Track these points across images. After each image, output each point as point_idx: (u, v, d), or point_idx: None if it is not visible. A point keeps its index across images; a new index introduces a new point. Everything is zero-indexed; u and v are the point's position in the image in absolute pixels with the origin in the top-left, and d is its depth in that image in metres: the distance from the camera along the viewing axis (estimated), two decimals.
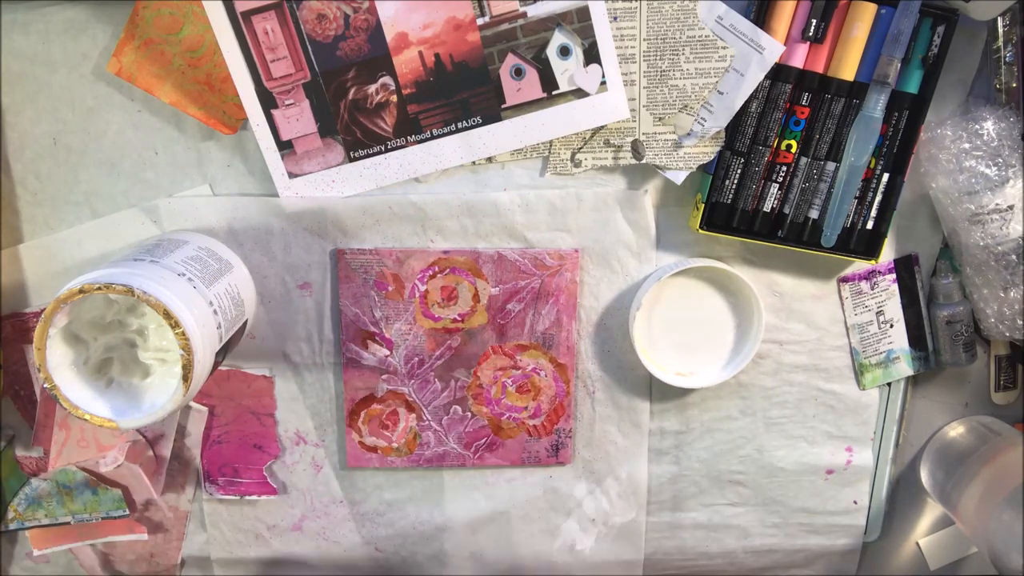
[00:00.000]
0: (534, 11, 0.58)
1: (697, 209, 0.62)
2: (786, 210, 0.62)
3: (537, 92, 0.60)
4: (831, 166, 0.61)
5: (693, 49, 0.59)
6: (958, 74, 0.62)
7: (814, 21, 0.58)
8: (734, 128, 0.60)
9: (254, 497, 0.69)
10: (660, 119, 0.61)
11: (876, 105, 0.59)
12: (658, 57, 0.59)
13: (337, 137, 0.60)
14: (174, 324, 0.50)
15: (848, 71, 0.59)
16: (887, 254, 0.66)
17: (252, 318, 0.64)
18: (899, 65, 0.58)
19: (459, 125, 0.60)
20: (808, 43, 0.59)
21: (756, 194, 0.62)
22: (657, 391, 0.68)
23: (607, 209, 0.64)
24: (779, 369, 0.68)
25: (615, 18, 0.59)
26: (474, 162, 0.62)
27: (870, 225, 0.62)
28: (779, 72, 0.59)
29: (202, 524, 0.70)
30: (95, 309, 0.55)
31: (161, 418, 0.53)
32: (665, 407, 0.69)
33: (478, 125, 0.60)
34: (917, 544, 0.74)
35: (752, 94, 0.59)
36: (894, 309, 0.67)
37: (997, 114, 0.60)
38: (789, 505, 0.72)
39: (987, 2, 0.57)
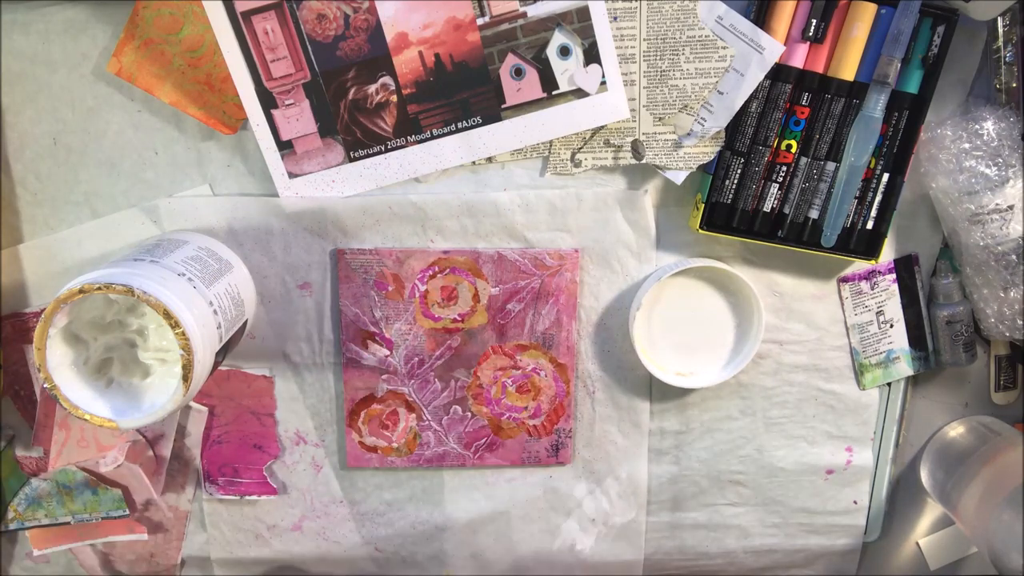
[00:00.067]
0: (534, 11, 0.58)
1: (697, 209, 0.62)
2: (786, 210, 0.62)
3: (537, 92, 0.60)
4: (831, 166, 0.61)
5: (693, 49, 0.59)
6: (958, 74, 0.62)
7: (814, 21, 0.58)
8: (734, 128, 0.60)
9: (254, 497, 0.69)
10: (660, 119, 0.61)
11: (876, 105, 0.59)
12: (658, 57, 0.59)
13: (337, 137, 0.60)
14: (174, 324, 0.50)
15: (848, 71, 0.59)
16: (887, 254, 0.66)
17: (252, 318, 0.64)
18: (899, 65, 0.58)
19: (459, 125, 0.60)
20: (808, 43, 0.59)
21: (756, 194, 0.62)
22: (657, 391, 0.68)
23: (607, 209, 0.64)
24: (779, 369, 0.68)
25: (615, 18, 0.59)
26: (474, 162, 0.62)
27: (870, 225, 0.62)
28: (779, 72, 0.59)
29: (202, 524, 0.70)
30: (95, 309, 0.55)
31: (161, 418, 0.53)
32: (665, 407, 0.69)
33: (478, 125, 0.60)
34: (917, 544, 0.74)
35: (752, 94, 0.59)
36: (894, 309, 0.67)
37: (997, 114, 0.60)
38: (789, 505, 0.72)
39: (987, 2, 0.57)
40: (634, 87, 0.60)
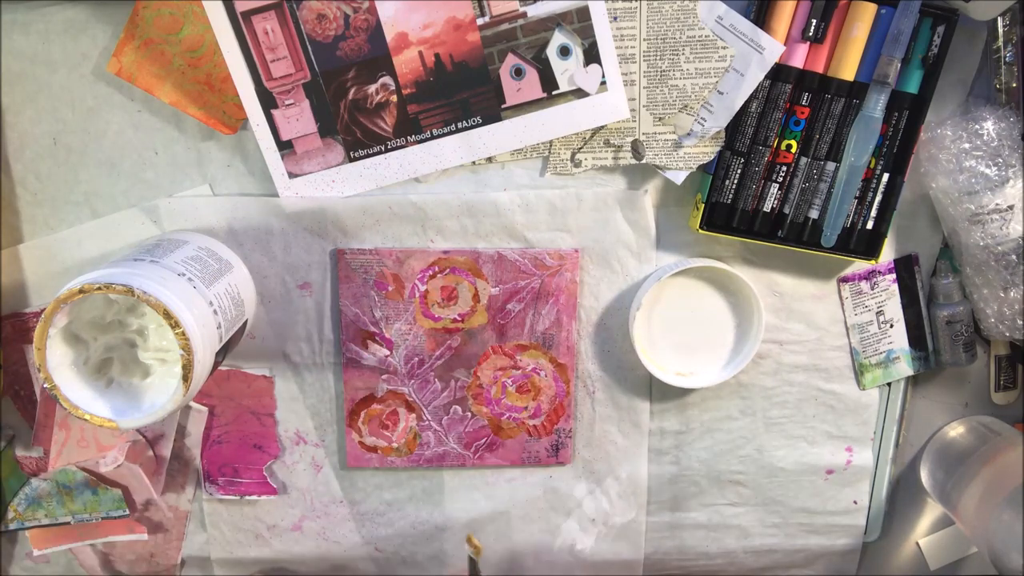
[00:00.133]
0: (534, 11, 0.58)
1: (697, 209, 0.62)
2: (786, 210, 0.62)
3: (537, 92, 0.60)
4: (831, 166, 0.61)
5: (693, 49, 0.59)
6: (958, 74, 0.62)
7: (814, 21, 0.58)
8: (734, 128, 0.60)
9: (254, 497, 0.69)
10: (660, 119, 0.61)
11: (876, 105, 0.59)
12: (658, 57, 0.59)
13: (337, 137, 0.60)
14: (174, 324, 0.50)
15: (848, 71, 0.59)
16: (887, 254, 0.66)
17: (252, 318, 0.64)
18: (899, 65, 0.58)
19: (459, 125, 0.60)
20: (808, 43, 0.59)
21: (756, 194, 0.62)
22: (657, 391, 0.68)
23: (607, 209, 0.64)
24: (779, 369, 0.68)
25: (615, 18, 0.59)
26: (474, 162, 0.62)
27: (870, 225, 0.62)
28: (779, 72, 0.59)
29: (202, 524, 0.70)
30: (95, 309, 0.55)
31: (161, 418, 0.53)
32: (665, 407, 0.69)
33: (478, 125, 0.60)
34: (917, 544, 0.74)
35: (752, 94, 0.59)
36: (894, 309, 0.67)
37: (997, 114, 0.60)
38: (789, 505, 0.72)
39: (987, 2, 0.57)
40: (634, 87, 0.60)
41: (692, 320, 0.65)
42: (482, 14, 0.58)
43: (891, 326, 0.67)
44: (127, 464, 0.66)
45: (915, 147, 0.61)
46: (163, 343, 0.56)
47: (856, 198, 0.62)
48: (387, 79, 0.59)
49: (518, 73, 0.59)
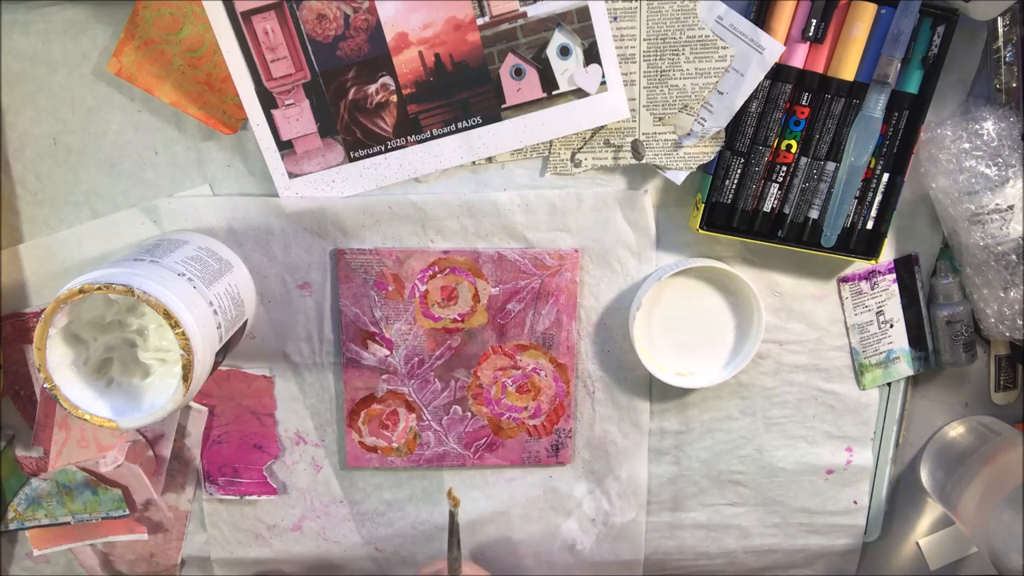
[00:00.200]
0: (534, 11, 0.58)
1: (697, 209, 0.62)
2: (786, 210, 0.62)
3: (537, 92, 0.60)
4: (831, 166, 0.61)
5: (693, 49, 0.59)
6: (958, 74, 0.62)
7: (814, 21, 0.58)
8: (734, 128, 0.60)
9: (254, 497, 0.69)
10: (660, 119, 0.61)
11: (876, 105, 0.59)
12: (658, 57, 0.59)
13: (337, 137, 0.60)
14: (174, 324, 0.50)
15: (848, 71, 0.59)
16: (887, 254, 0.66)
17: (252, 318, 0.64)
18: (899, 65, 0.58)
19: (459, 125, 0.60)
20: (808, 43, 0.59)
21: (756, 194, 0.62)
22: (657, 391, 0.68)
23: (607, 209, 0.64)
24: (779, 369, 0.68)
25: (615, 18, 0.59)
26: (474, 162, 0.62)
27: (870, 225, 0.62)
28: (779, 72, 0.59)
29: (202, 524, 0.70)
30: (95, 309, 0.55)
31: (161, 418, 0.53)
32: (665, 407, 0.69)
33: (478, 125, 0.60)
34: (917, 544, 0.74)
35: (752, 94, 0.59)
36: (894, 309, 0.67)
37: (997, 114, 0.60)
38: (789, 505, 0.72)
39: (987, 2, 0.57)
40: (634, 87, 0.60)
41: (692, 320, 0.65)
42: (482, 14, 0.58)
43: (891, 326, 0.67)
44: (127, 464, 0.66)
45: (915, 147, 0.61)
46: (163, 343, 0.56)
47: (856, 198, 0.62)
48: (387, 79, 0.59)
49: (518, 73, 0.59)
